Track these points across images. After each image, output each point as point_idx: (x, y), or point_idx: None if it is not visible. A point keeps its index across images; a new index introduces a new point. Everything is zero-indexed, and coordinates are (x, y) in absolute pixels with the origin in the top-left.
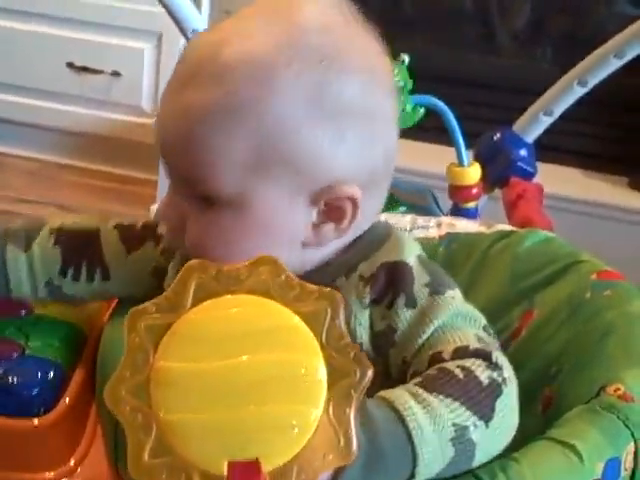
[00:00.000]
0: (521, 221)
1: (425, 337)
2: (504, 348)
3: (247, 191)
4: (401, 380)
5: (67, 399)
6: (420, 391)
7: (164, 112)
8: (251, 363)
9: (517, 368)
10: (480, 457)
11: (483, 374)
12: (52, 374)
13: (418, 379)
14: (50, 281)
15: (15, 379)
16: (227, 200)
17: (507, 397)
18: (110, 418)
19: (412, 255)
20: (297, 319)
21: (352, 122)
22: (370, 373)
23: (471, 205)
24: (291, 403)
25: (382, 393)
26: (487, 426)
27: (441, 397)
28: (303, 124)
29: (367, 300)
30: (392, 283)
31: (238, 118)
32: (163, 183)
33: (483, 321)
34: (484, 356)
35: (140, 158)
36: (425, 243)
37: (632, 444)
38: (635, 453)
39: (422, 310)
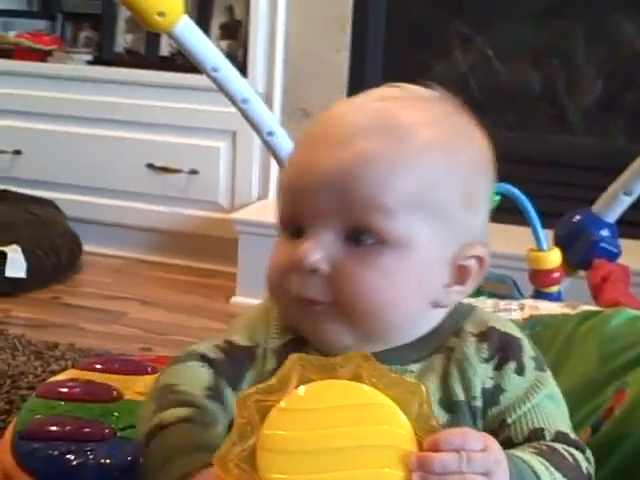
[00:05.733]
0: (609, 305)
1: (529, 406)
2: (597, 428)
3: (412, 233)
4: None
5: None
6: (547, 464)
7: (328, 165)
8: (346, 432)
9: (614, 447)
10: None
11: (583, 464)
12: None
13: (534, 449)
14: None
15: (107, 460)
16: (394, 241)
17: None
18: None
19: (517, 329)
20: (386, 398)
21: (485, 184)
22: None
23: (553, 289)
24: (380, 467)
25: (518, 454)
26: None
27: (560, 476)
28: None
29: (485, 355)
30: (504, 348)
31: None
32: (242, 275)
33: (566, 409)
34: (582, 449)
35: (219, 252)
36: None
37: None
38: None
39: (530, 380)
